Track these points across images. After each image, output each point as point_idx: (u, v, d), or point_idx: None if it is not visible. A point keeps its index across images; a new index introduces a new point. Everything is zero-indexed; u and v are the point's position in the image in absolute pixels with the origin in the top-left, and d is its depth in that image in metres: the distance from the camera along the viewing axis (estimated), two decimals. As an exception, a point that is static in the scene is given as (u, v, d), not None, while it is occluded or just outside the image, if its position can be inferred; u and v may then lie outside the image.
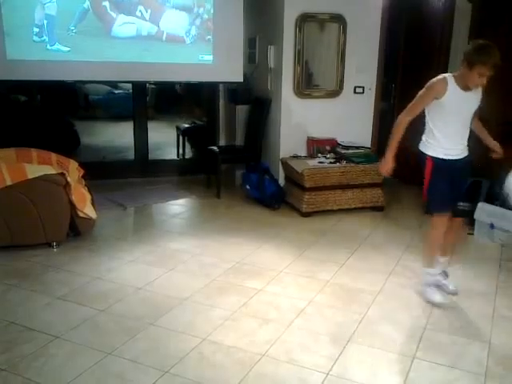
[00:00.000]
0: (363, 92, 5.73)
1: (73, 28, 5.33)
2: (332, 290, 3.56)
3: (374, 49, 5.69)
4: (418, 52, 6.16)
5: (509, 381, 2.62)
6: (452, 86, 3.17)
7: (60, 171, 4.07)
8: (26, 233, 4.02)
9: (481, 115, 3.42)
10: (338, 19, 5.47)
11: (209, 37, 5.74)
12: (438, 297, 3.41)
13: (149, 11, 5.53)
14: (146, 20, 5.54)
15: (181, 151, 7.36)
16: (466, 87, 3.17)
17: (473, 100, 3.24)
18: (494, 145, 3.47)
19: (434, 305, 3.37)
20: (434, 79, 3.24)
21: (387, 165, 3.34)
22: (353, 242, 4.46)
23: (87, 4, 5.33)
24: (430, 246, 3.47)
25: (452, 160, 3.29)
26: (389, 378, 2.61)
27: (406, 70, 6.40)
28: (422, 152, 3.35)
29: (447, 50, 5.71)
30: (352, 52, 5.58)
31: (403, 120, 3.30)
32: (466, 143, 3.34)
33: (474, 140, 3.42)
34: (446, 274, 3.58)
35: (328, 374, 2.62)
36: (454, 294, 3.52)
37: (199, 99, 7.97)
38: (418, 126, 3.40)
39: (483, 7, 5.16)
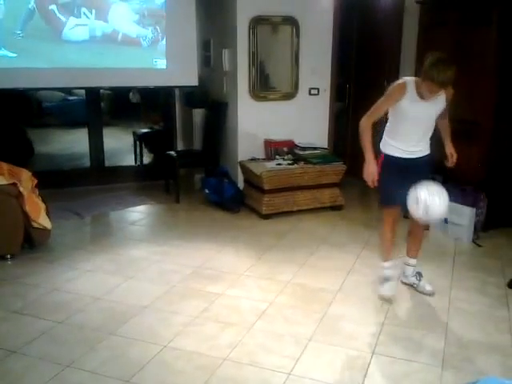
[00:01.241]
0: (318, 93, 5.80)
1: (19, 32, 5.19)
2: (292, 291, 3.59)
3: (327, 50, 5.77)
4: (369, 52, 6.29)
5: (464, 371, 2.70)
6: (410, 93, 3.17)
7: (12, 181, 3.97)
8: (-22, 246, 3.91)
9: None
10: (291, 21, 5.53)
11: (162, 41, 5.71)
12: (384, 289, 3.47)
13: (93, 11, 5.41)
14: (95, 20, 5.43)
15: (138, 157, 7.28)
16: (422, 96, 3.16)
17: (431, 109, 3.23)
18: (450, 153, 3.46)
19: (383, 299, 3.44)
20: (395, 83, 3.25)
21: (370, 167, 3.26)
22: (312, 242, 4.50)
23: (32, 5, 5.19)
24: (381, 240, 3.57)
25: (403, 158, 3.34)
26: (349, 374, 2.65)
27: (359, 70, 6.53)
28: (379, 149, 3.40)
29: (398, 49, 5.85)
30: (306, 54, 5.64)
31: (366, 123, 3.27)
32: (424, 145, 3.37)
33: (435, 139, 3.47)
34: (419, 275, 3.62)
35: (290, 373, 2.64)
36: (431, 294, 3.54)
37: (155, 104, 7.90)
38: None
39: (430, 8, 5.30)
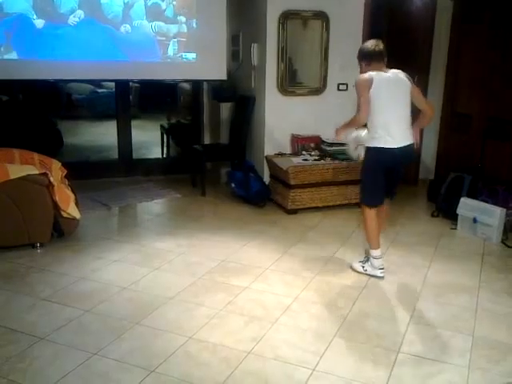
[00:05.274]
0: (347, 89, 5.74)
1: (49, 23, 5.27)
2: (317, 287, 3.58)
3: (356, 45, 5.60)
4: (400, 48, 6.19)
5: (492, 373, 2.66)
6: None
7: (43, 171, 4.03)
8: (9, 234, 3.98)
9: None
10: (321, 16, 5.48)
11: (193, 35, 5.72)
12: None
13: (124, 5, 5.49)
14: (125, 13, 5.52)
15: (165, 150, 7.34)
16: None
17: None
18: None
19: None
20: None
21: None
22: (337, 239, 4.48)
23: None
24: None
25: None
26: (374, 372, 2.63)
27: (388, 65, 6.42)
28: None
29: (429, 46, 5.76)
30: (335, 49, 5.59)
31: None
32: None
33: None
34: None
35: (314, 369, 2.63)
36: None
37: (183, 97, 7.95)
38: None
39: (463, 5, 5.21)
